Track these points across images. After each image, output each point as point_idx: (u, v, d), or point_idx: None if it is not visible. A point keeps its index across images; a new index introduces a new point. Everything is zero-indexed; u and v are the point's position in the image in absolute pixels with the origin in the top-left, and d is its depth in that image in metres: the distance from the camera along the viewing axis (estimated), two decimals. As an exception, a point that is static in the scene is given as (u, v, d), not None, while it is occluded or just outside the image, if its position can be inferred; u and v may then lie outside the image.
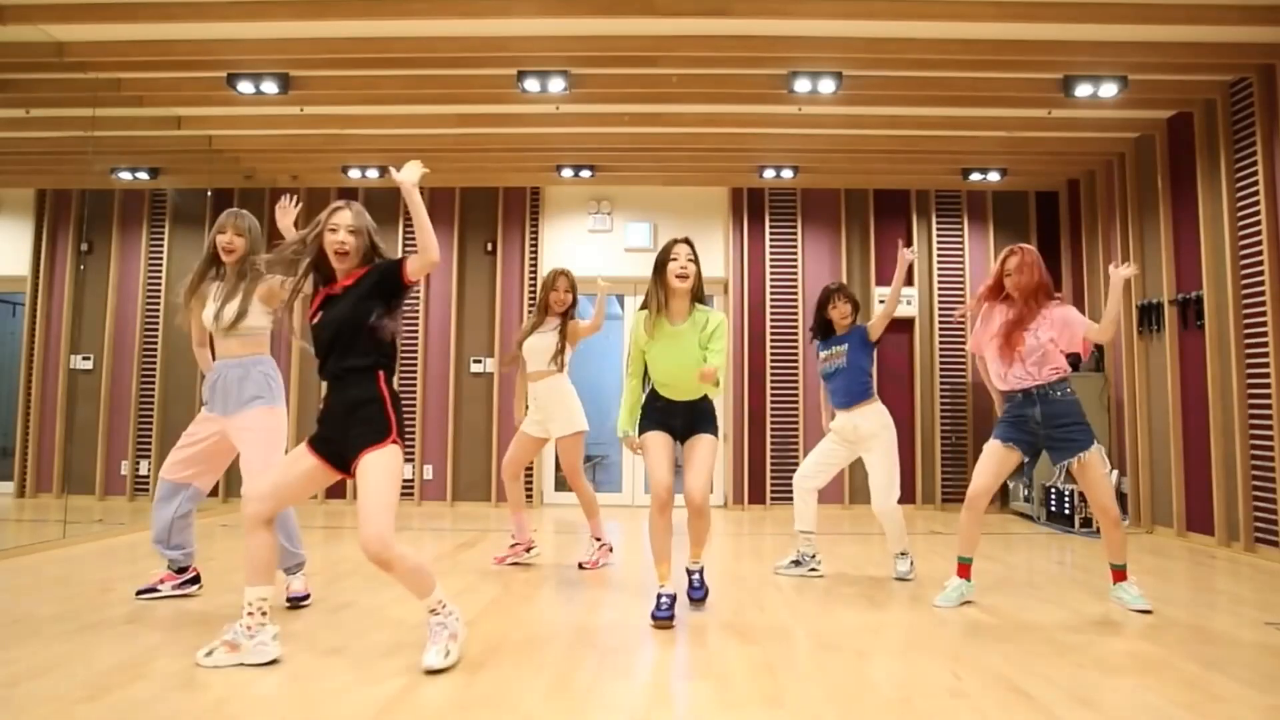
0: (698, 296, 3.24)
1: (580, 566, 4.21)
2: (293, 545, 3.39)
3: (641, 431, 3.29)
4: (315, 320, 2.64)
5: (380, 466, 2.47)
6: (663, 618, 3.04)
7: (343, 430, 2.55)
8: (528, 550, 4.30)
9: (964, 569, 3.50)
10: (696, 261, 3.19)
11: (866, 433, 3.97)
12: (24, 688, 2.28)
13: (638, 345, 3.29)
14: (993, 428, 3.54)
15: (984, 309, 3.58)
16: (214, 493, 6.82)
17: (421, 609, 2.58)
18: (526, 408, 4.34)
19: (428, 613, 2.56)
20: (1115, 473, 6.03)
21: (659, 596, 3.12)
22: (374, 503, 2.42)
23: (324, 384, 2.68)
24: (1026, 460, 3.51)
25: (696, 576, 3.43)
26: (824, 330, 4.12)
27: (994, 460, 3.46)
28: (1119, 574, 3.46)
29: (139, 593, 3.39)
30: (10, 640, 2.73)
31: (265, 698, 2.23)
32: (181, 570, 3.46)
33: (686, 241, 3.22)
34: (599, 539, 4.29)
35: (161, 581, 3.42)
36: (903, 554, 4.03)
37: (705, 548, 3.41)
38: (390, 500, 2.47)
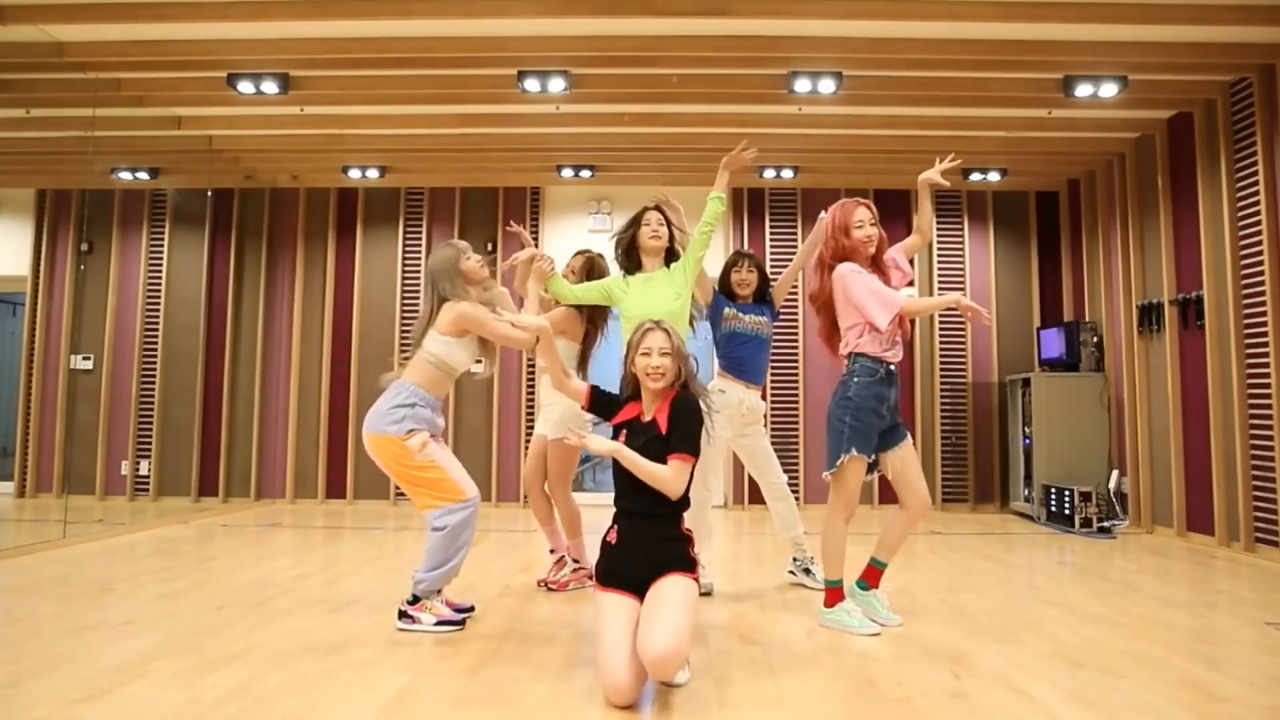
0: (671, 258, 3.39)
1: (547, 587, 3.70)
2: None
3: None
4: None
5: (686, 591, 2.37)
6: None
7: (642, 565, 2.42)
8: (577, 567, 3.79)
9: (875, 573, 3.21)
10: (668, 225, 3.38)
11: (758, 413, 3.74)
12: (24, 688, 2.28)
13: (608, 283, 3.37)
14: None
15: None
16: (214, 492, 6.85)
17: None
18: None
19: None
20: (1116, 472, 6.03)
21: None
22: (673, 619, 2.26)
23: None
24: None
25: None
26: (729, 295, 3.79)
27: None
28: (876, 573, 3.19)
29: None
30: (10, 640, 2.74)
31: (265, 697, 2.23)
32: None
33: (657, 209, 3.39)
34: (576, 561, 3.76)
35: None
36: (805, 550, 3.81)
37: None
38: (688, 621, 2.32)
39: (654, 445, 2.47)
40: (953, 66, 4.86)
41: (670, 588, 2.35)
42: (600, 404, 2.69)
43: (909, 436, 3.19)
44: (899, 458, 3.14)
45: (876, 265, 3.21)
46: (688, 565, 2.43)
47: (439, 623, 2.97)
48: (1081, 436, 6.22)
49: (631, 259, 3.39)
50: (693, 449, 2.48)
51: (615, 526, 2.53)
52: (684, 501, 2.51)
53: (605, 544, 2.53)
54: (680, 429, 2.48)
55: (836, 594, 3.09)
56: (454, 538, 3.01)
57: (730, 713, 2.17)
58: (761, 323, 3.74)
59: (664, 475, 2.43)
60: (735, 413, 3.66)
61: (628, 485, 2.50)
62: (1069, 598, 3.61)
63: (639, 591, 2.41)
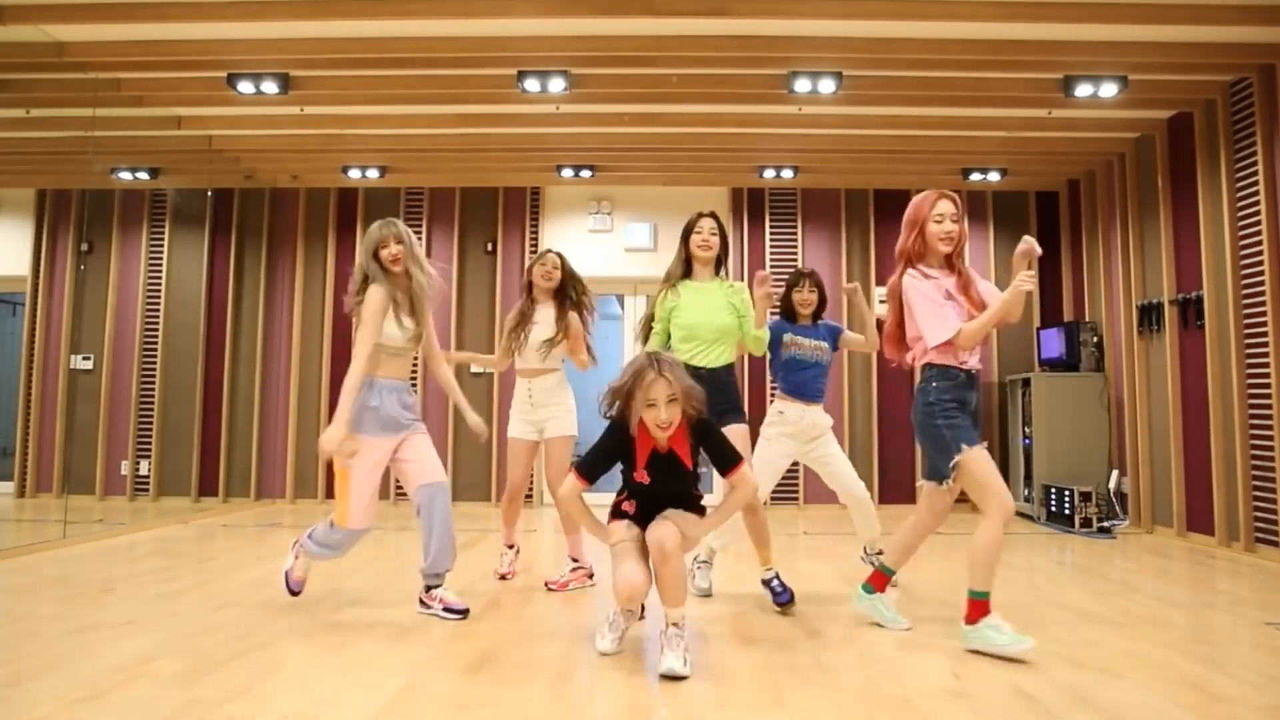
0: (720, 267, 3.41)
1: (547, 587, 3.72)
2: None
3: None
4: (643, 484, 2.69)
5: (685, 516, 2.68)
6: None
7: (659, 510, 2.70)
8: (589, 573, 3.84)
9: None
10: (721, 235, 3.37)
11: (823, 427, 3.82)
12: (24, 688, 2.28)
13: (663, 308, 3.38)
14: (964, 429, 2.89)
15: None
16: (214, 492, 6.85)
17: (660, 620, 2.63)
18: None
19: (669, 624, 2.56)
20: (1116, 472, 6.03)
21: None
22: (680, 517, 2.64)
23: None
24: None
25: (776, 582, 3.39)
26: (787, 316, 3.89)
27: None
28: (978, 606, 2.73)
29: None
30: (10, 640, 2.73)
31: (265, 697, 2.22)
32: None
33: (712, 215, 3.39)
34: (575, 560, 3.78)
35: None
36: (880, 552, 3.85)
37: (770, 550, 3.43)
38: (696, 521, 2.69)
39: (678, 476, 2.67)
40: (953, 66, 4.86)
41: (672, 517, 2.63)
42: (599, 472, 2.77)
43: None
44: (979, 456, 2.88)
45: (952, 267, 2.89)
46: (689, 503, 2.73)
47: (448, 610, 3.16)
48: (1081, 436, 6.22)
49: (683, 260, 3.41)
50: (738, 455, 2.72)
51: (632, 500, 2.73)
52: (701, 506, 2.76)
53: (621, 510, 2.75)
54: (718, 451, 2.70)
55: (981, 608, 2.70)
56: (327, 538, 3.21)
57: (730, 713, 2.17)
58: (821, 348, 3.83)
59: (741, 498, 2.74)
60: (795, 429, 3.76)
61: (652, 507, 2.70)
62: (1069, 598, 3.61)
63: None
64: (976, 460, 2.79)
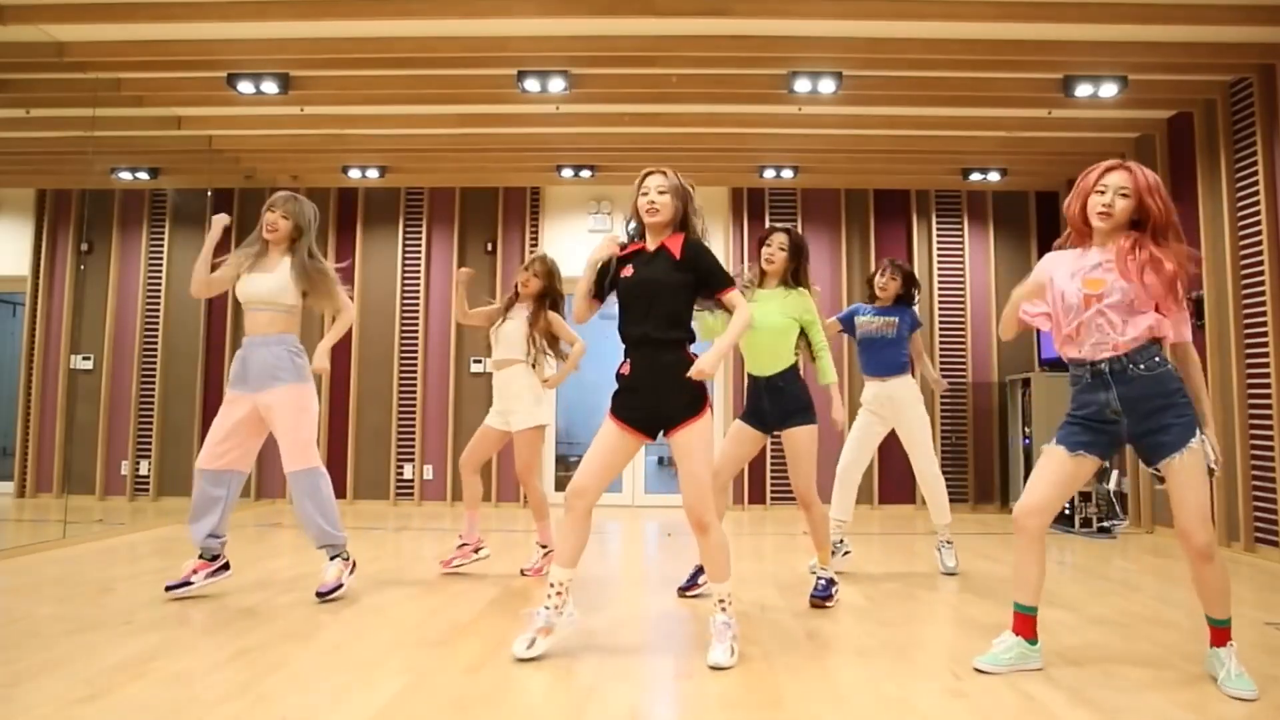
0: (785, 280, 3.52)
1: (522, 573, 3.97)
2: (332, 526, 3.44)
3: (739, 417, 3.51)
4: (627, 277, 2.68)
5: (701, 438, 2.62)
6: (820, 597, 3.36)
7: (656, 399, 2.63)
8: (476, 551, 4.06)
9: (1024, 622, 2.55)
10: (786, 249, 3.49)
11: (901, 403, 4.11)
12: (24, 688, 2.28)
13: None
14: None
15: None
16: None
17: (710, 601, 2.67)
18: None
19: (716, 606, 2.62)
20: (1115, 473, 6.03)
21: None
22: (699, 471, 2.60)
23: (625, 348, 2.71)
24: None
25: (823, 581, 3.44)
26: (871, 298, 4.25)
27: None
28: (1221, 633, 2.42)
29: (170, 588, 3.32)
30: (10, 640, 2.73)
31: (265, 697, 2.22)
32: (214, 558, 3.47)
33: (785, 231, 3.55)
34: (545, 545, 4.01)
35: (194, 572, 3.40)
36: (948, 543, 4.14)
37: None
38: (709, 469, 2.66)
39: (668, 270, 2.65)
40: (953, 66, 4.86)
41: (683, 445, 2.61)
42: (600, 282, 2.78)
43: (1184, 450, 2.36)
44: (1169, 471, 2.40)
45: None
46: (699, 405, 2.62)
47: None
48: (1081, 436, 6.20)
49: (756, 266, 3.60)
50: (730, 279, 2.71)
51: (627, 360, 2.69)
52: (690, 332, 2.71)
53: (619, 375, 2.70)
54: (708, 269, 2.68)
55: (1223, 635, 2.41)
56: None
57: (730, 713, 2.17)
58: (890, 323, 4.13)
59: (741, 322, 2.64)
60: (877, 406, 4.12)
61: (638, 314, 2.65)
62: (1069, 598, 3.61)
63: (647, 429, 2.67)
64: (1048, 455, 2.55)
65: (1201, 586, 2.43)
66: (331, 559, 3.43)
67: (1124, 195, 2.44)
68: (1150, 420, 2.40)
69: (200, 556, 3.42)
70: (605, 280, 2.76)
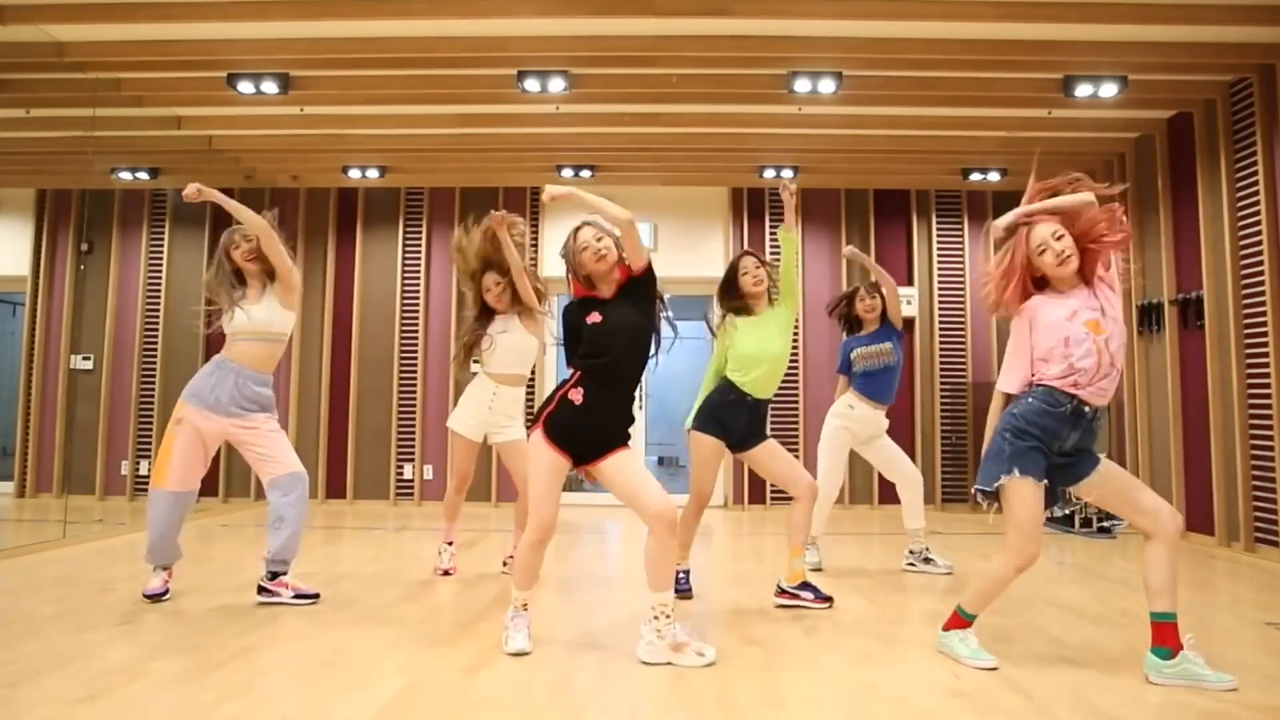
0: (771, 298, 3.54)
1: (505, 565, 4.06)
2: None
3: (701, 429, 3.46)
4: (598, 323, 2.69)
5: (634, 458, 2.75)
6: (681, 590, 3.43)
7: (600, 435, 2.69)
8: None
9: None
10: (761, 266, 3.52)
11: (882, 426, 4.25)
12: (24, 688, 2.28)
13: (724, 333, 3.52)
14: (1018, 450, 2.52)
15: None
16: (214, 492, 6.84)
17: (644, 605, 2.69)
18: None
19: (652, 613, 2.63)
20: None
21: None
22: (653, 483, 2.70)
23: (579, 382, 2.69)
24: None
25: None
26: (853, 326, 4.28)
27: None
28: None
29: (149, 595, 3.30)
30: (10, 640, 2.73)
31: (265, 697, 2.23)
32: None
33: (751, 254, 3.58)
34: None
35: (166, 583, 3.38)
36: (920, 540, 4.20)
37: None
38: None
39: (635, 312, 2.69)
40: (953, 66, 4.86)
41: (623, 462, 2.69)
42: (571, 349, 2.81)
43: (1102, 460, 2.60)
44: (1100, 478, 2.57)
45: (1088, 283, 2.63)
46: (627, 439, 2.75)
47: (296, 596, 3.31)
48: (1081, 436, 6.21)
49: (734, 299, 3.54)
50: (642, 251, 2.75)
51: (579, 387, 2.66)
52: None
53: (565, 399, 2.66)
54: (645, 269, 2.74)
55: (960, 622, 2.66)
56: (149, 516, 3.31)
57: (730, 713, 2.17)
58: (885, 350, 4.15)
59: (623, 213, 2.66)
60: (859, 427, 4.19)
61: (616, 354, 2.66)
62: (1069, 598, 3.61)
63: (576, 457, 2.69)
64: (1021, 497, 2.51)
65: (1172, 567, 2.49)
66: (276, 576, 3.35)
67: (1059, 237, 2.60)
68: (1069, 456, 2.58)
69: (164, 569, 3.40)
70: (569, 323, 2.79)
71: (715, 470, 3.50)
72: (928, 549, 4.21)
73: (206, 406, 3.32)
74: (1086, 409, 2.52)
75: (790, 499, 3.46)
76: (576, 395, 2.65)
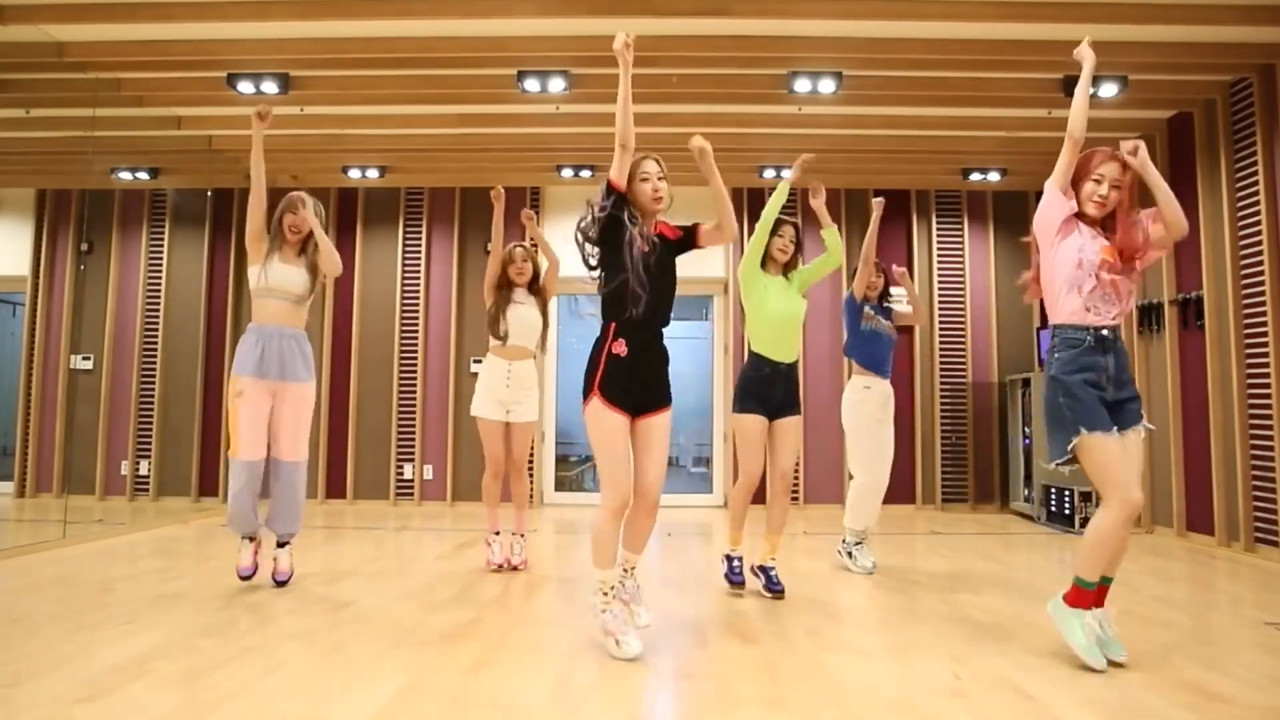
0: (794, 266, 3.73)
1: (514, 568, 4.10)
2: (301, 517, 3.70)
3: (742, 410, 3.56)
4: (646, 253, 2.74)
5: (667, 429, 2.77)
6: (736, 581, 3.58)
7: (651, 385, 2.72)
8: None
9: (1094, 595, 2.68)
10: (796, 241, 3.73)
11: (891, 409, 4.24)
12: (24, 688, 2.28)
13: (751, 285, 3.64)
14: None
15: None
16: (214, 492, 6.84)
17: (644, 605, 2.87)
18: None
19: (630, 573, 2.87)
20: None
21: (729, 558, 3.65)
22: (663, 464, 2.75)
23: (623, 335, 2.71)
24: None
25: (774, 573, 3.58)
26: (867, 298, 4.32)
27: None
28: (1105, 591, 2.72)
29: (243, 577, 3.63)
30: (10, 640, 2.73)
31: (265, 697, 2.22)
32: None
33: (793, 225, 3.74)
34: (523, 534, 4.20)
35: (255, 557, 3.68)
36: (859, 544, 4.20)
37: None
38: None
39: (665, 258, 2.81)
40: (953, 66, 4.86)
41: (660, 427, 2.73)
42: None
43: (1140, 425, 2.66)
44: (1131, 441, 2.63)
45: (1104, 228, 2.86)
46: (670, 398, 2.79)
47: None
48: (1081, 436, 6.21)
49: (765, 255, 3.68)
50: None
51: (621, 339, 2.68)
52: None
53: (611, 355, 2.67)
54: (685, 229, 2.92)
55: (1079, 595, 2.65)
56: (230, 489, 3.52)
57: (730, 713, 2.17)
58: (890, 324, 4.27)
59: (729, 209, 2.88)
60: (878, 405, 4.17)
61: (657, 295, 2.71)
62: (1069, 598, 3.60)
63: (635, 410, 2.70)
64: (1099, 451, 2.53)
65: (1119, 545, 2.63)
66: (283, 545, 3.70)
67: (1116, 188, 2.85)
68: (1122, 390, 2.67)
69: (251, 539, 3.67)
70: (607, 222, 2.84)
71: (761, 448, 3.58)
72: (858, 544, 4.20)
73: (260, 374, 3.47)
74: (1105, 332, 2.72)
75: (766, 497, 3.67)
76: (620, 348, 2.67)
